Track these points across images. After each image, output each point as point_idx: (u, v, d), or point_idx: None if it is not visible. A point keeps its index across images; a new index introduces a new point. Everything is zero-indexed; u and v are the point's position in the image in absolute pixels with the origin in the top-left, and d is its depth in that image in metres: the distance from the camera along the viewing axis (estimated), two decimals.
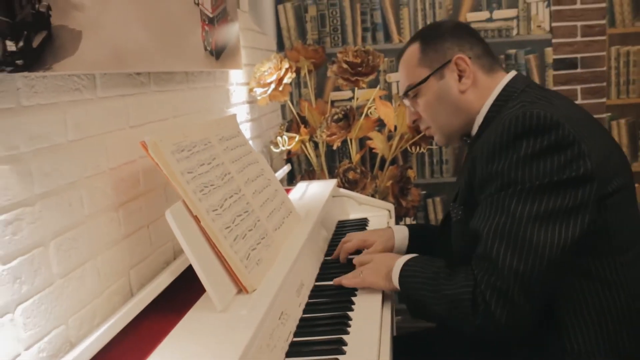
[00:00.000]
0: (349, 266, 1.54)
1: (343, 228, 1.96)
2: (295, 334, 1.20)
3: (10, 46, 0.80)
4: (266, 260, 1.26)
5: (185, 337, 0.99)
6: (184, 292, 1.18)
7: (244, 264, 1.15)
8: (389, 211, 2.13)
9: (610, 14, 2.69)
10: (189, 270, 1.17)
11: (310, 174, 2.43)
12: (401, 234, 1.60)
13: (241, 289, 1.14)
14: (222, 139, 1.40)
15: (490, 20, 2.62)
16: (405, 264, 1.30)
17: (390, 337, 1.22)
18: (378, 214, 2.11)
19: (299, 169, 2.85)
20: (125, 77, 1.23)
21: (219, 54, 1.68)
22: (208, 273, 1.07)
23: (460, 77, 1.35)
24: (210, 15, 1.61)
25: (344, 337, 1.16)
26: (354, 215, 2.12)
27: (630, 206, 1.24)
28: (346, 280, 1.39)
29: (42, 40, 0.86)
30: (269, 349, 1.07)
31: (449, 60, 1.35)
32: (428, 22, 2.64)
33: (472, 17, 2.63)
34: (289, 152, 2.29)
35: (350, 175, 2.25)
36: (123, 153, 1.21)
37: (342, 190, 2.16)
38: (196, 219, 1.11)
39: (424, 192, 2.71)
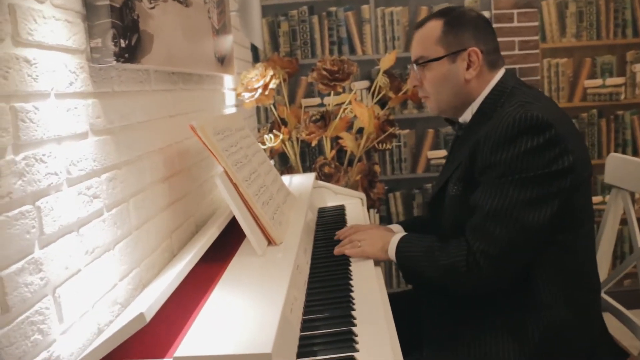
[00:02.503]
0: (335, 243, 1.73)
1: (324, 213, 2.24)
2: (309, 283, 1.48)
3: (123, 43, 1.07)
4: (284, 223, 1.54)
5: (240, 273, 1.25)
6: (218, 247, 1.44)
7: (272, 223, 1.44)
8: (362, 199, 2.41)
9: (541, 31, 3.11)
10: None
11: (290, 170, 2.71)
12: (398, 229, 1.83)
13: (270, 242, 1.42)
14: (237, 129, 1.68)
15: None
16: (401, 240, 1.53)
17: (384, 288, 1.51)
18: (352, 202, 2.40)
19: None
20: (166, 75, 1.50)
21: (222, 60, 1.96)
22: (249, 226, 1.34)
23: (468, 67, 1.51)
24: (217, 27, 1.89)
25: (350, 282, 1.45)
26: (331, 203, 2.40)
27: (588, 190, 1.48)
28: (348, 250, 1.60)
29: (135, 40, 1.13)
30: (295, 285, 1.34)
31: (464, 49, 1.50)
32: (387, 37, 2.98)
33: None
34: (270, 150, 2.57)
35: (326, 169, 2.55)
36: (166, 137, 1.47)
37: (319, 182, 2.45)
38: (235, 186, 1.38)
39: (385, 187, 3.02)
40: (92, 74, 1.07)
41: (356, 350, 1.10)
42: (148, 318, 0.88)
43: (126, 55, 1.08)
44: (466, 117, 1.58)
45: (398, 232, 1.61)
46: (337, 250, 1.63)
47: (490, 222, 1.36)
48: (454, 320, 1.53)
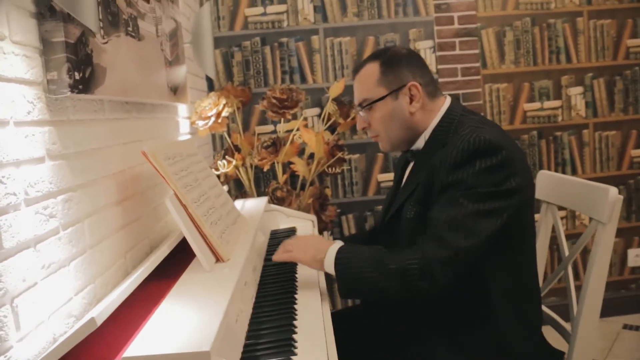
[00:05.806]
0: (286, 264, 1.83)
1: (276, 234, 2.35)
2: (257, 298, 1.58)
3: (77, 76, 1.17)
4: (232, 242, 1.64)
5: (187, 288, 1.34)
6: (170, 266, 1.53)
7: (220, 241, 1.54)
8: (313, 221, 2.53)
9: (482, 58, 3.29)
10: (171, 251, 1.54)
11: (244, 195, 2.82)
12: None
13: (218, 259, 1.52)
14: (188, 155, 1.78)
15: None
16: (339, 251, 1.52)
17: (327, 300, 1.61)
18: (304, 224, 2.51)
19: None
20: (120, 105, 1.60)
21: (175, 90, 2.06)
22: (198, 244, 1.44)
23: (411, 101, 1.60)
24: (169, 59, 2.00)
25: (295, 295, 1.55)
26: (284, 225, 2.51)
27: (532, 208, 1.58)
28: (278, 255, 1.65)
29: (89, 73, 1.24)
30: (242, 299, 1.44)
31: (404, 85, 1.60)
32: (336, 66, 3.13)
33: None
34: (225, 176, 2.67)
35: (278, 193, 2.66)
36: (119, 163, 1.57)
37: (272, 205, 2.56)
38: (184, 207, 1.48)
39: (338, 210, 3.14)
40: (49, 104, 1.17)
41: (294, 354, 1.20)
42: (99, 322, 0.97)
43: (80, 86, 1.18)
44: (419, 144, 1.66)
45: (335, 243, 1.58)
46: (273, 257, 1.67)
47: (443, 229, 1.43)
48: (405, 338, 1.60)
